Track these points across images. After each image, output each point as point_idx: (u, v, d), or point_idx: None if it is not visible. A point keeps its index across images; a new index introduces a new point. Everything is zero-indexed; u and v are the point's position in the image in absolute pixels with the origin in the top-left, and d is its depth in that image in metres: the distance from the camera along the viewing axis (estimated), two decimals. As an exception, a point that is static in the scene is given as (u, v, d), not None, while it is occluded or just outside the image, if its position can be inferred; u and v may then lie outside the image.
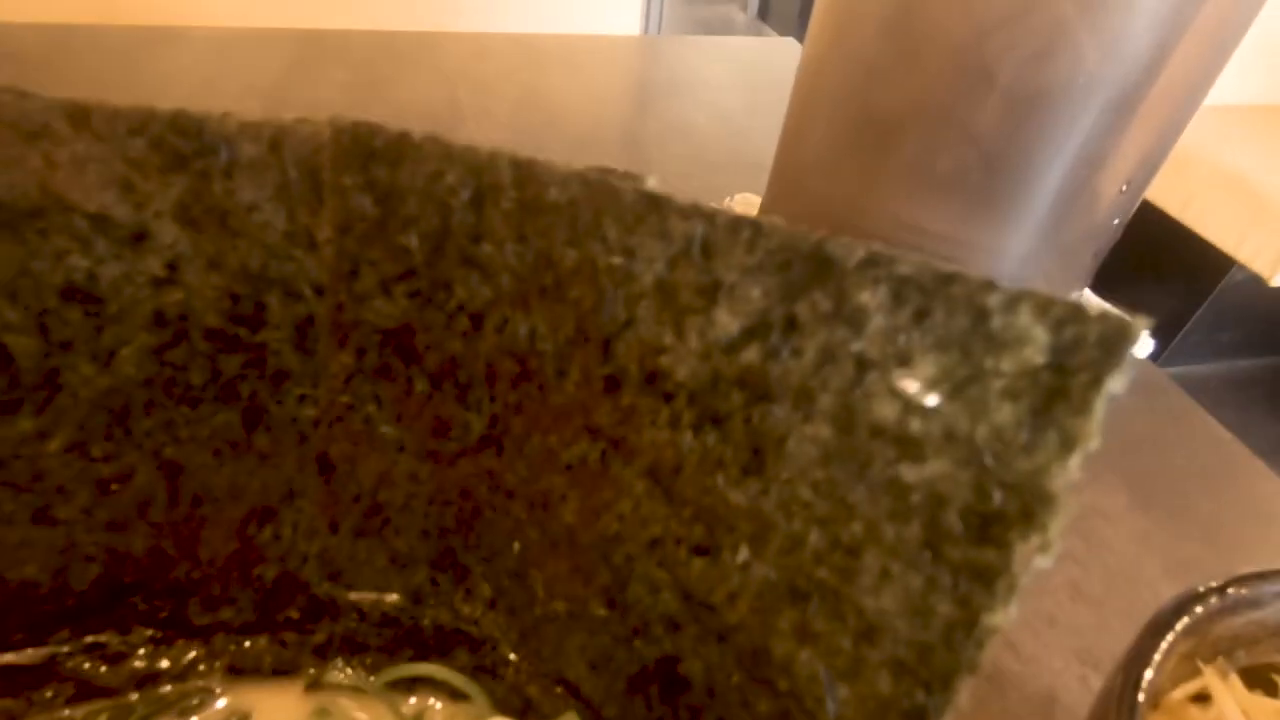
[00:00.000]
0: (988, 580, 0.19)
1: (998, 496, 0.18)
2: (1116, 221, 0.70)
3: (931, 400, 0.19)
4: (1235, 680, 0.35)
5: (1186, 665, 0.35)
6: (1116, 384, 0.17)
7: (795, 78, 0.66)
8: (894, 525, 0.20)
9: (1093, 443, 0.17)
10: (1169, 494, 0.69)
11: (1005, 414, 0.18)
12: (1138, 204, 0.70)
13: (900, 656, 0.21)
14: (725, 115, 0.95)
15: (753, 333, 0.21)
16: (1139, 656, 0.31)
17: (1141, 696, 0.29)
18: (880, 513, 0.20)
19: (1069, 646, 0.51)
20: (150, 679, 0.29)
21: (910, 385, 0.19)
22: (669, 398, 0.22)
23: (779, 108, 0.70)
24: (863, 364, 0.19)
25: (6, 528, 0.27)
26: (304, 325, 0.27)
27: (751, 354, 0.21)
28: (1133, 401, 0.79)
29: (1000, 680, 0.52)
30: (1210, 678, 0.33)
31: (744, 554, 0.23)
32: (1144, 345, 0.82)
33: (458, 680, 0.29)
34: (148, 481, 0.28)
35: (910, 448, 0.19)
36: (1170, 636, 0.31)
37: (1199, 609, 0.32)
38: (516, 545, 0.29)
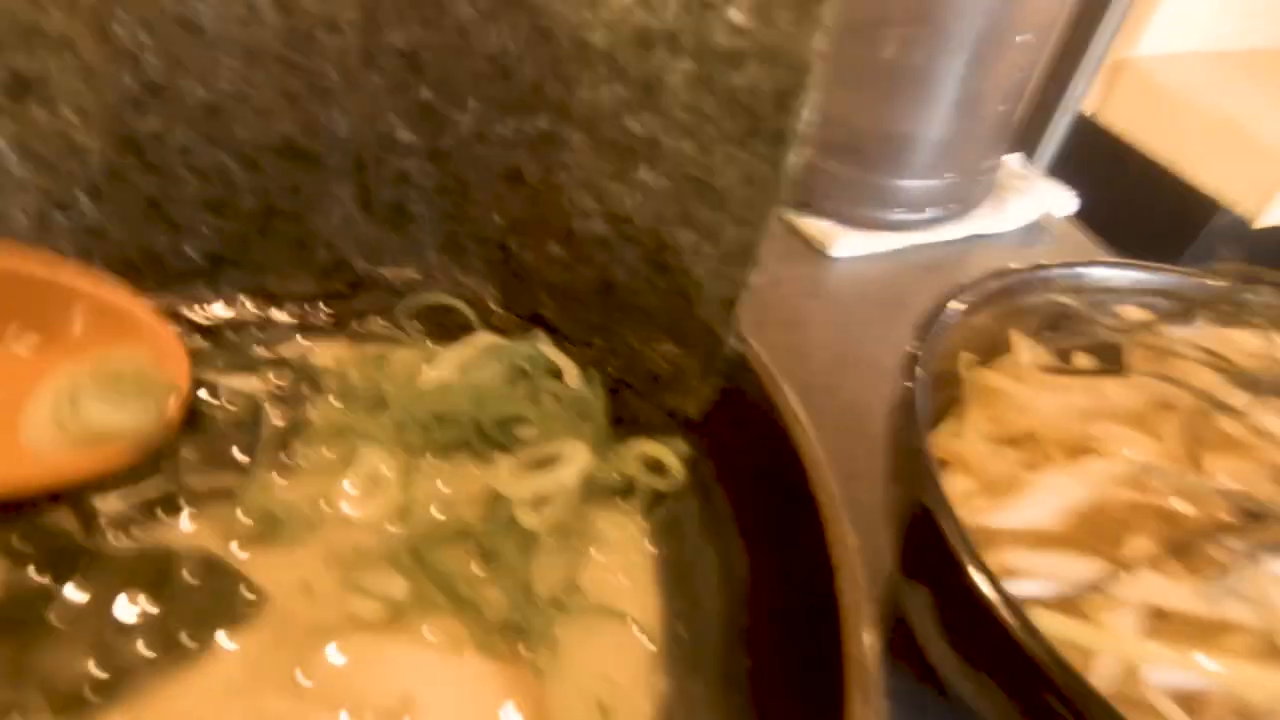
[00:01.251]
0: (785, 138, 0.30)
1: (785, 78, 0.30)
2: (1002, 109, 0.80)
3: (746, 22, 0.30)
4: (1038, 351, 0.46)
5: (1003, 337, 0.46)
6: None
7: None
8: (731, 121, 0.32)
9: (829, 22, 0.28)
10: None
11: (784, 19, 0.29)
12: (1041, 60, 0.80)
13: (739, 213, 0.32)
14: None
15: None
16: (929, 319, 0.41)
17: (923, 351, 0.39)
18: (724, 115, 0.32)
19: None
20: (240, 326, 0.41)
21: (735, 15, 0.30)
22: (591, 63, 0.34)
23: None
24: (706, 5, 0.30)
25: (137, 205, 0.38)
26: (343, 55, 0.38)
27: (638, 15, 0.32)
28: (1052, 250, 0.90)
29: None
30: (1012, 333, 0.44)
31: (644, 171, 0.34)
32: (1068, 205, 0.92)
33: (460, 305, 0.40)
34: (239, 178, 0.39)
35: (737, 59, 0.30)
36: (963, 300, 0.41)
37: (989, 283, 0.43)
38: (497, 218, 0.40)
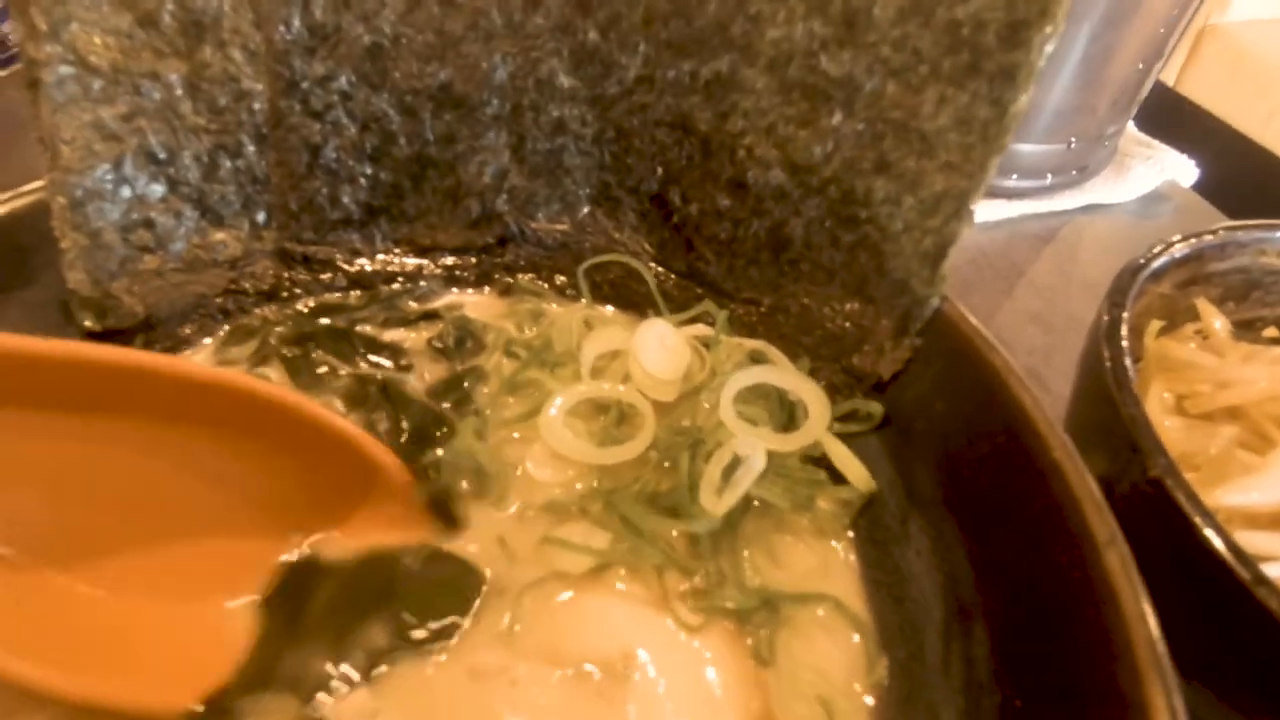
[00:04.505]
0: (1014, 76, 0.28)
1: (1022, 7, 0.27)
2: (1140, 66, 0.75)
3: (978, -54, 0.27)
4: (1226, 321, 0.42)
5: (1185, 304, 0.43)
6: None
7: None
8: (949, 58, 0.29)
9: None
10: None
11: (1030, -58, 0.26)
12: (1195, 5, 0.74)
13: (950, 160, 0.30)
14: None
15: (850, -74, 0.29)
16: (1119, 287, 0.38)
17: (1125, 316, 0.36)
18: (940, 51, 0.29)
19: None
20: (391, 278, 0.40)
21: (964, -59, 0.28)
22: (786, -2, 0.31)
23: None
24: (931, -70, 0.28)
25: (299, 153, 0.38)
26: (508, -6, 0.36)
27: (850, -57, 0.29)
28: (1175, 221, 0.84)
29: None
30: (1200, 302, 0.41)
31: (838, 117, 0.32)
32: (1189, 175, 0.86)
33: (634, 263, 0.39)
34: (396, 125, 0.38)
35: (963, -11, 0.28)
36: (1154, 265, 0.38)
37: (1177, 248, 0.39)
38: (658, 170, 0.38)
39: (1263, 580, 0.25)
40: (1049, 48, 0.27)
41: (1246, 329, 0.44)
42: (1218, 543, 0.26)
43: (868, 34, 0.30)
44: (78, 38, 0.32)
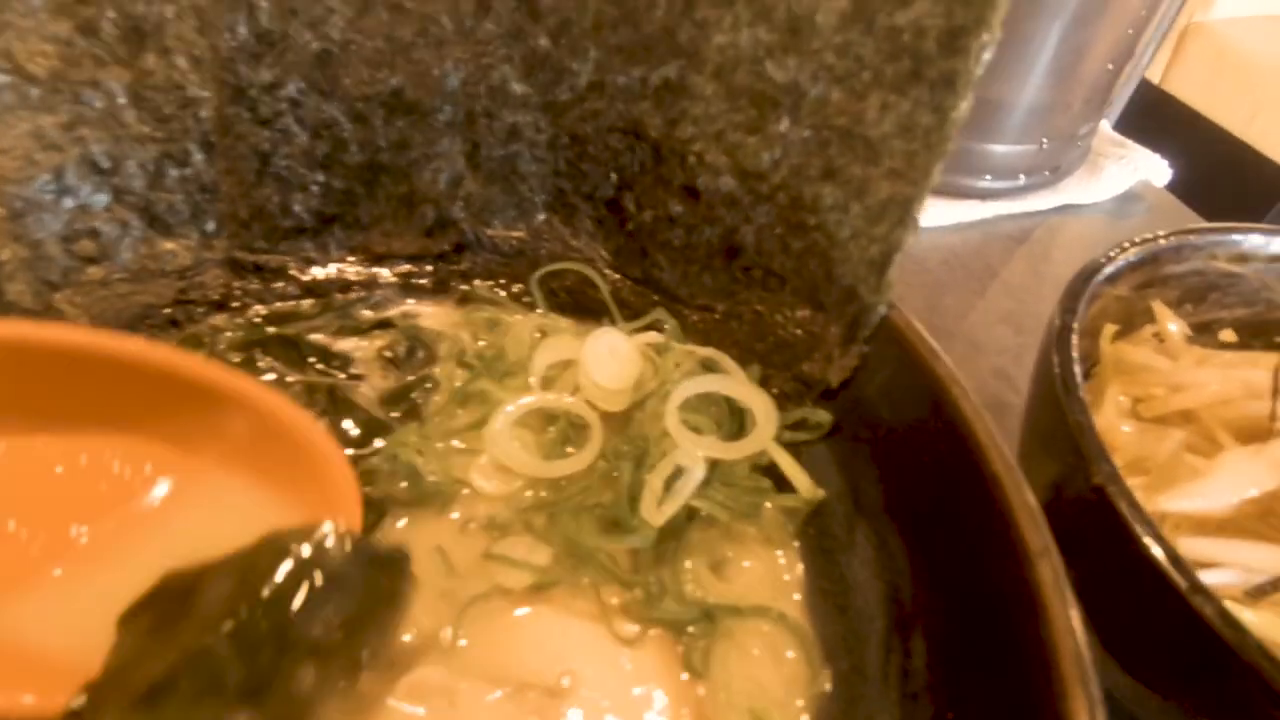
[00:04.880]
0: (954, 83, 0.28)
1: (960, 14, 0.27)
2: (1110, 67, 0.76)
3: (917, -46, 0.27)
4: (1182, 324, 0.42)
5: (1144, 306, 0.43)
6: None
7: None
8: (891, 65, 0.29)
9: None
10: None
11: (966, -52, 0.26)
12: (1161, 8, 0.74)
13: (895, 167, 0.30)
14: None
15: (792, -68, 0.29)
16: (1071, 292, 0.38)
17: (1075, 323, 0.36)
18: (881, 58, 0.29)
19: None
20: (346, 286, 0.40)
21: (903, -53, 0.27)
22: (731, 3, 0.31)
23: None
24: (870, -64, 0.28)
25: (248, 161, 0.37)
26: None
27: (791, -51, 0.29)
28: (1148, 221, 0.85)
29: (1001, 408, 0.61)
30: (1156, 305, 0.41)
31: (785, 123, 0.32)
32: (1162, 175, 0.87)
33: (588, 270, 0.38)
34: (347, 132, 0.38)
35: (903, -3, 0.28)
36: (1107, 271, 0.38)
37: (1131, 253, 0.39)
38: (612, 176, 0.38)
39: (1199, 589, 0.25)
40: (986, 55, 0.27)
41: (1205, 331, 0.45)
42: (1156, 551, 0.26)
43: (811, 40, 0.30)
44: (14, 45, 0.32)
